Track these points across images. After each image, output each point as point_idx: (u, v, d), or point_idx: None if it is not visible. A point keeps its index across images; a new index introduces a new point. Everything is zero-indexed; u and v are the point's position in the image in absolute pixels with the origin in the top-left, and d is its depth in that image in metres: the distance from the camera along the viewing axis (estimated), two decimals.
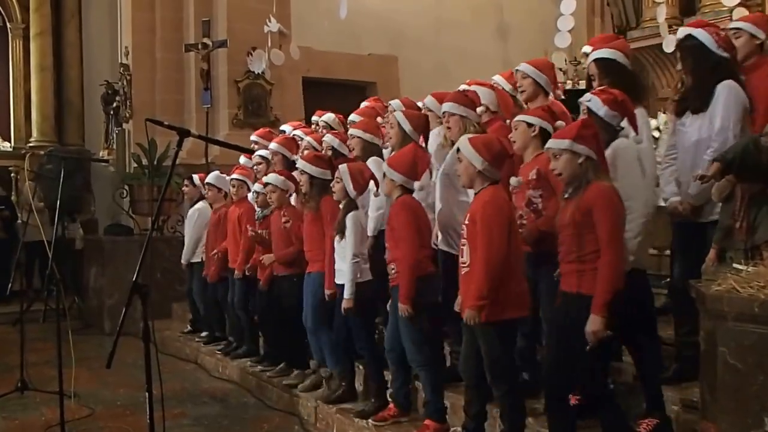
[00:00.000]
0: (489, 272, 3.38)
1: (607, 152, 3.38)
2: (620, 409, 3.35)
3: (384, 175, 4.10)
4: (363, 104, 6.21)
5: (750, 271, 2.65)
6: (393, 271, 4.06)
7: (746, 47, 3.97)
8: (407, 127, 4.50)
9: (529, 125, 3.72)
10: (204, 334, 6.98)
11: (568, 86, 8.12)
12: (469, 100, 4.27)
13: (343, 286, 4.49)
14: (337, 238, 4.51)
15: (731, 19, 6.35)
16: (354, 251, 4.39)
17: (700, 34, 3.66)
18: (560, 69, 8.14)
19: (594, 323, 3.01)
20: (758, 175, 2.73)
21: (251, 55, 8.98)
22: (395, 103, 5.24)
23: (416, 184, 4.15)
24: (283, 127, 6.73)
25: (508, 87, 4.80)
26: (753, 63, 3.97)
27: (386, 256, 4.15)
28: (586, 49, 4.40)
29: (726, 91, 3.54)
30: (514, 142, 3.80)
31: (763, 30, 4.01)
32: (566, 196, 3.25)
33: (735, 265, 2.76)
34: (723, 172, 2.81)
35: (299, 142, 5.94)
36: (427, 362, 4.07)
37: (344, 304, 4.41)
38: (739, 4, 6.83)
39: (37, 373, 5.62)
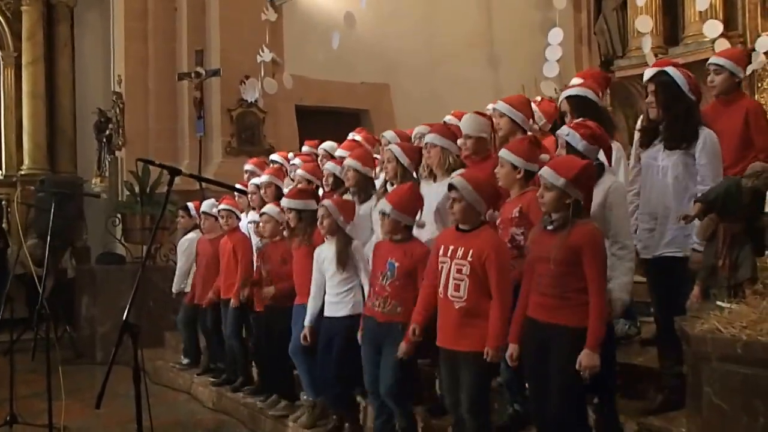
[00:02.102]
0: (507, 312, 3.51)
1: (597, 191, 3.45)
2: None
3: (385, 215, 4.04)
4: (350, 136, 6.24)
5: (733, 309, 2.68)
6: (398, 308, 4.04)
7: (725, 83, 4.12)
8: (405, 160, 4.52)
9: (515, 167, 3.75)
10: (186, 361, 6.98)
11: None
12: (450, 132, 4.34)
13: (338, 319, 4.51)
14: (338, 270, 4.50)
15: (713, 51, 6.48)
16: (369, 279, 4.39)
17: (674, 73, 3.76)
18: (550, 98, 8.21)
19: (591, 359, 3.13)
20: (740, 215, 2.78)
21: (244, 83, 9.04)
22: (389, 135, 5.27)
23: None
24: (272, 157, 6.76)
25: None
26: (730, 98, 4.10)
27: (384, 291, 4.10)
28: (575, 80, 4.45)
29: (711, 142, 3.63)
30: (499, 179, 3.83)
31: (741, 68, 4.15)
32: (548, 228, 3.30)
33: (718, 303, 2.80)
34: (705, 212, 2.86)
35: (291, 173, 5.99)
36: (403, 394, 4.11)
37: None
38: (720, 36, 6.93)
39: (27, 406, 5.58)
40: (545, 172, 3.28)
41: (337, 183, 5.21)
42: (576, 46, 10.00)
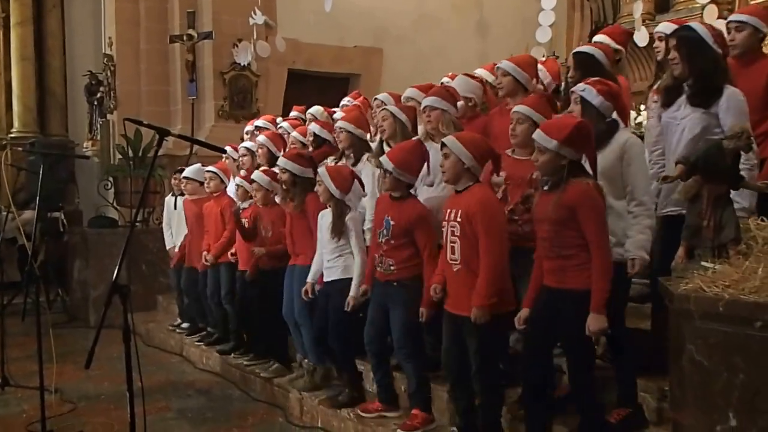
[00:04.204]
0: (496, 270, 3.46)
1: (612, 146, 3.42)
2: (599, 404, 3.41)
3: (386, 172, 4.02)
4: (346, 100, 6.25)
5: (716, 269, 2.71)
6: (392, 267, 4.06)
7: (748, 40, 3.98)
8: (403, 117, 4.49)
9: (535, 124, 3.61)
10: (185, 325, 7.04)
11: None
12: (450, 95, 4.30)
13: (331, 282, 4.54)
14: (333, 238, 4.49)
15: (702, 17, 6.45)
16: (363, 250, 4.43)
17: (697, 27, 3.64)
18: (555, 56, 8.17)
19: (598, 322, 3.10)
20: (722, 176, 2.79)
21: (237, 46, 8.99)
22: (384, 97, 5.27)
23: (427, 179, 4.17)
24: (256, 123, 6.72)
25: (491, 79, 4.87)
26: (750, 58, 3.97)
27: (380, 250, 4.14)
28: (602, 38, 4.42)
29: (737, 101, 3.49)
30: (516, 135, 3.77)
31: (766, 24, 4.00)
32: (545, 188, 3.28)
33: (702, 263, 2.82)
34: (688, 174, 2.86)
35: (286, 138, 5.99)
36: (414, 353, 4.12)
37: (352, 302, 4.37)
38: (710, 2, 6.87)
39: (18, 369, 5.64)
40: (537, 135, 3.23)
41: (318, 142, 5.23)
42: (569, 12, 9.93)
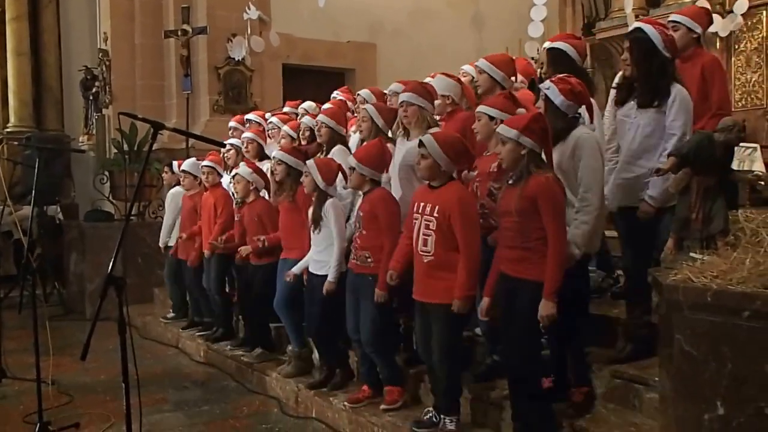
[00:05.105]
0: (474, 264, 3.61)
1: (568, 141, 3.53)
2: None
3: (352, 168, 4.21)
4: (334, 94, 6.31)
5: (705, 261, 2.75)
6: (368, 259, 4.15)
7: (683, 39, 4.13)
8: (380, 121, 4.62)
9: (491, 118, 3.80)
10: (171, 315, 7.10)
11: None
12: (426, 91, 4.38)
13: (319, 276, 4.57)
14: (313, 228, 4.58)
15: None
16: (342, 235, 4.49)
17: (650, 30, 3.74)
18: (532, 58, 8.21)
19: (547, 308, 3.21)
20: (712, 168, 2.83)
21: (231, 41, 9.02)
22: (365, 93, 5.35)
23: (384, 176, 4.29)
24: (248, 116, 6.75)
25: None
26: (688, 54, 4.13)
27: (356, 243, 4.24)
28: (547, 44, 4.50)
29: (681, 98, 3.63)
30: (477, 132, 3.91)
31: (699, 24, 4.17)
32: (509, 182, 3.40)
33: (691, 254, 2.86)
34: (679, 166, 2.90)
35: (271, 131, 6.04)
36: (382, 350, 4.23)
37: (327, 287, 4.46)
38: None
39: (15, 361, 5.65)
40: (500, 129, 3.40)
41: (313, 137, 5.32)
42: (561, 7, 9.94)
